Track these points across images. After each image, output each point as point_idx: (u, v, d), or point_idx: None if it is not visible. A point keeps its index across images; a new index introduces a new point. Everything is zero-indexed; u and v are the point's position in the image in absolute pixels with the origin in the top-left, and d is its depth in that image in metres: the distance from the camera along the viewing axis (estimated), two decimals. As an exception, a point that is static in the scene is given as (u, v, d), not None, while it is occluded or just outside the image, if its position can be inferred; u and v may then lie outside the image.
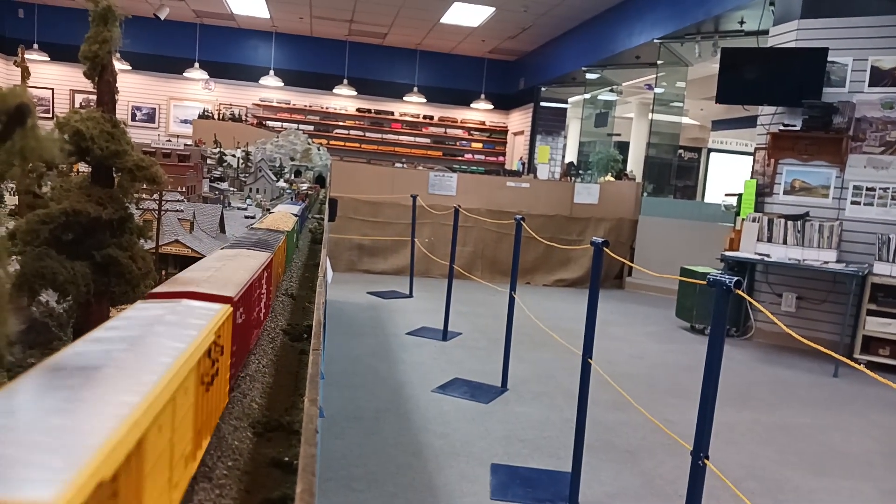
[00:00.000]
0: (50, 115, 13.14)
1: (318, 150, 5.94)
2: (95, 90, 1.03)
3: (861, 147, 6.14)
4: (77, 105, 13.52)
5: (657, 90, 10.62)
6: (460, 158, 15.50)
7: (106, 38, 0.99)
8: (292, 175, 5.50)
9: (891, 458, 3.88)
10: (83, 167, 1.07)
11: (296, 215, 2.33)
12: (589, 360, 3.03)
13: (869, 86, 6.09)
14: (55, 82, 13.60)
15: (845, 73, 6.17)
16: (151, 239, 1.45)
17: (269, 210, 2.36)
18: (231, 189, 3.88)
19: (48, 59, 12.97)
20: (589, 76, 12.29)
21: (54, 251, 0.97)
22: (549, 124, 14.22)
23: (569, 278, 8.91)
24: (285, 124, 14.11)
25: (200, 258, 1.61)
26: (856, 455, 3.87)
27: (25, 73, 1.87)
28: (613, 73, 11.86)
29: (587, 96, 13.10)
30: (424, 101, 14.88)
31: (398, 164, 13.41)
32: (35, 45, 12.84)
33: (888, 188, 6.04)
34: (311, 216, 3.68)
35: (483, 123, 15.73)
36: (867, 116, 6.10)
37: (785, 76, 6.21)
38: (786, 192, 6.49)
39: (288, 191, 4.48)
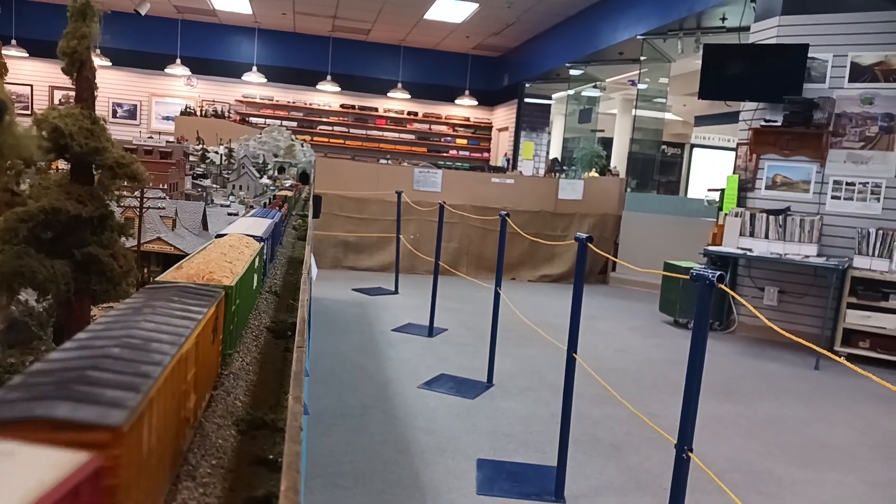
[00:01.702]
0: (29, 112, 12.96)
1: (302, 146, 5.91)
2: (74, 86, 1.02)
3: (841, 142, 6.20)
4: (56, 102, 13.35)
5: (640, 86, 10.67)
6: (445, 154, 15.49)
7: (85, 33, 0.98)
8: (276, 172, 5.47)
9: (874, 449, 3.93)
10: (63, 164, 1.06)
11: (261, 239, 1.54)
12: (574, 354, 3.04)
13: (849, 81, 6.15)
14: (34, 79, 13.42)
15: (825, 69, 6.23)
16: (133, 237, 1.43)
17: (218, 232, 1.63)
18: (214, 186, 3.85)
19: (27, 55, 12.79)
20: (573, 72, 12.33)
21: (33, 250, 0.96)
22: (533, 120, 14.25)
23: (553, 274, 8.94)
24: (268, 121, 14.01)
25: (183, 255, 1.60)
26: (839, 447, 3.92)
27: (3, 70, 1.84)
28: (597, 69, 11.91)
29: (571, 92, 13.14)
30: (409, 97, 14.84)
31: (383, 161, 13.36)
32: (13, 41, 12.65)
33: (868, 183, 6.11)
34: (294, 213, 3.65)
35: (467, 119, 15.73)
36: (847, 112, 6.17)
37: (766, 72, 6.27)
38: (767, 187, 6.55)
39: (272, 187, 4.45)
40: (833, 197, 6.25)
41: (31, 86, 13.49)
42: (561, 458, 3.00)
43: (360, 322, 5.88)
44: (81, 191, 1.00)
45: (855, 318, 5.83)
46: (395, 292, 7.26)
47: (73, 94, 1.02)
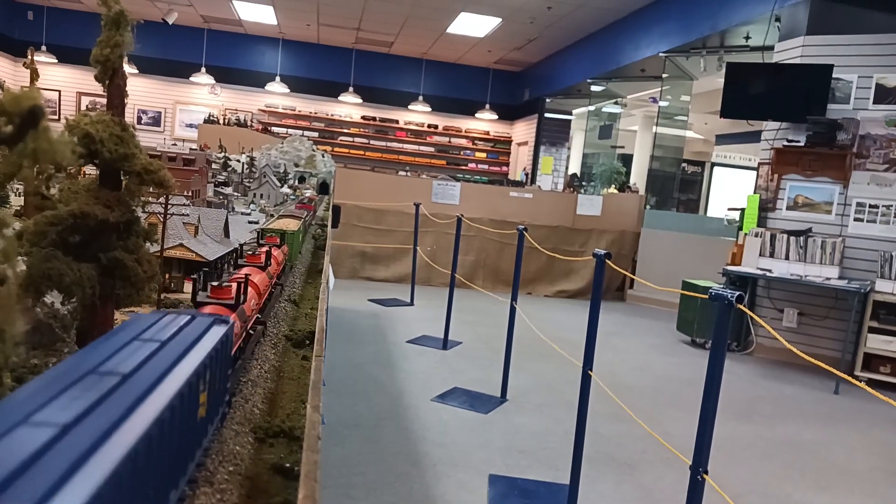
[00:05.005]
0: (57, 117, 13.20)
1: (323, 156, 5.95)
2: (105, 93, 1.04)
3: (865, 164, 6.14)
4: (83, 107, 13.59)
5: (662, 103, 10.64)
6: (464, 168, 15.52)
7: (118, 42, 1.00)
8: (296, 181, 5.51)
9: (893, 475, 3.86)
10: (90, 169, 1.08)
11: None
12: (589, 371, 3.02)
13: (874, 103, 6.09)
14: (62, 84, 13.66)
15: (850, 89, 6.18)
16: (156, 242, 1.45)
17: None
18: (235, 194, 3.89)
19: (56, 61, 13.04)
20: (594, 88, 12.32)
21: (61, 253, 0.97)
22: (553, 135, 14.25)
23: (570, 289, 8.90)
24: (290, 130, 14.14)
25: (205, 262, 1.62)
26: (858, 472, 3.86)
27: (34, 75, 1.87)
28: (618, 85, 11.89)
29: (592, 108, 13.12)
30: (429, 109, 14.91)
31: (402, 172, 13.42)
32: (43, 48, 12.91)
33: (891, 205, 6.03)
34: (313, 222, 3.66)
35: (487, 133, 15.76)
36: (871, 133, 6.10)
37: (789, 92, 6.22)
38: (789, 208, 6.49)
39: (291, 196, 4.48)
40: (856, 219, 6.18)
41: (60, 91, 13.73)
42: (574, 475, 2.98)
43: (374, 333, 5.88)
44: (109, 196, 1.01)
45: (876, 343, 5.73)
46: (411, 304, 7.26)
47: (100, 99, 1.05)
